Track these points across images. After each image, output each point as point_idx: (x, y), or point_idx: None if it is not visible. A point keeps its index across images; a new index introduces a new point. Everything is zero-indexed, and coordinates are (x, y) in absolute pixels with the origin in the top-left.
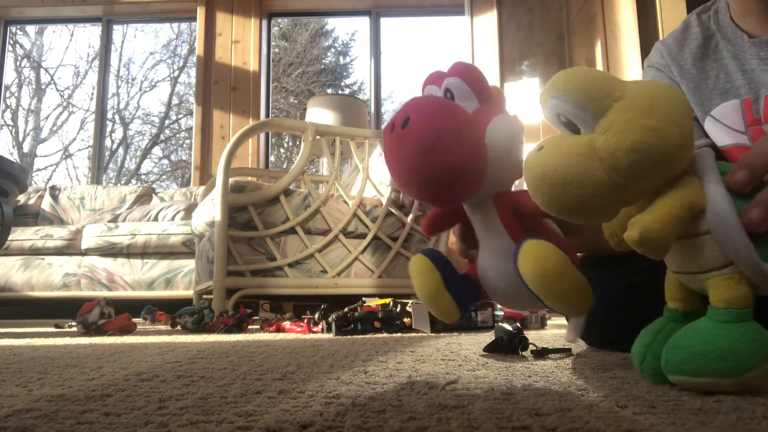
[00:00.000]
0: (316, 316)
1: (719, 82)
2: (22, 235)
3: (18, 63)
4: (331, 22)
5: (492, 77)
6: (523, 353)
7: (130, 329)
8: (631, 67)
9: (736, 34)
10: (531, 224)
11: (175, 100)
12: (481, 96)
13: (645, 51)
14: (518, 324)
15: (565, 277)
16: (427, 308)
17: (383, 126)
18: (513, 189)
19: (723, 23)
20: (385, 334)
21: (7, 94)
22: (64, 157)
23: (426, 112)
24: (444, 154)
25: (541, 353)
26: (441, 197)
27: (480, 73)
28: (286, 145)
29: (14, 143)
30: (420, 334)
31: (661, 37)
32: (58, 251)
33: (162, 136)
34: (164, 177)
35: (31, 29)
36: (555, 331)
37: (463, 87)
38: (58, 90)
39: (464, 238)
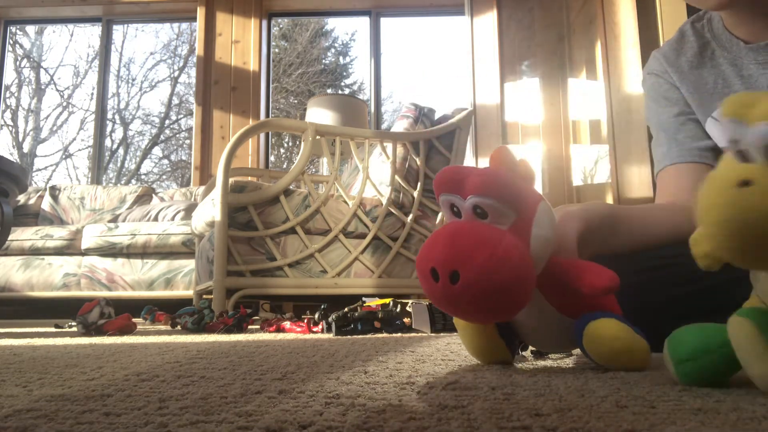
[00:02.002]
0: (316, 316)
1: (717, 87)
2: (22, 235)
3: (18, 63)
4: (331, 22)
5: (492, 77)
6: (523, 353)
7: (130, 329)
8: (631, 66)
9: (732, 42)
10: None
11: (175, 100)
12: (515, 208)
13: (645, 51)
14: None
15: (633, 351)
16: (474, 356)
17: (419, 271)
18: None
19: (717, 31)
20: (385, 334)
21: (7, 94)
22: (64, 157)
23: (478, 270)
24: (500, 302)
25: (541, 353)
26: (499, 320)
27: (509, 183)
28: (286, 145)
29: (14, 143)
30: (420, 334)
31: (661, 37)
32: (58, 251)
33: (162, 136)
34: (164, 177)
35: (31, 29)
36: None
37: (495, 205)
38: (58, 90)
39: None
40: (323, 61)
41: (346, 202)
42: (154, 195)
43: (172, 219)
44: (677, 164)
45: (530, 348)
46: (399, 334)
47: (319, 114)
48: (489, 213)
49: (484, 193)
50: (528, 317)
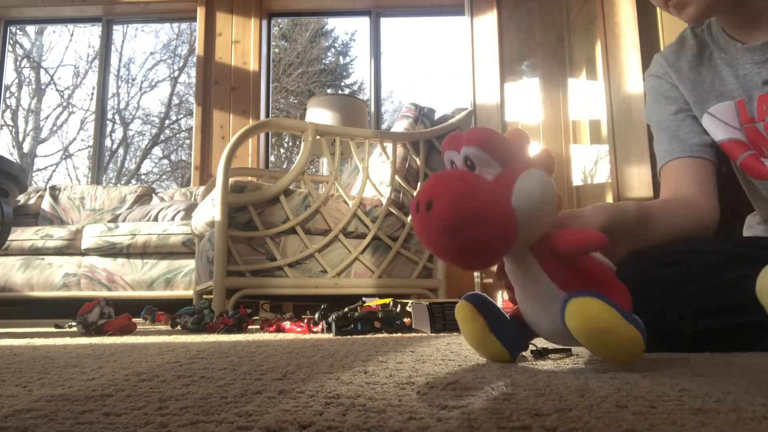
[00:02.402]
0: (316, 316)
1: (714, 85)
2: (22, 235)
3: (18, 63)
4: (331, 22)
5: (492, 77)
6: (523, 353)
7: (130, 329)
8: (631, 66)
9: (729, 43)
10: (576, 262)
11: (175, 100)
12: (502, 160)
13: (645, 51)
14: None
15: (614, 332)
16: (474, 350)
17: (411, 201)
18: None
19: (716, 35)
20: (385, 334)
21: (7, 94)
22: (64, 157)
23: (448, 197)
24: (469, 234)
25: (541, 353)
26: (472, 266)
27: (497, 136)
28: (286, 145)
29: (14, 143)
30: (420, 334)
31: (661, 38)
32: (58, 251)
33: (162, 136)
34: (164, 177)
35: (31, 29)
36: None
37: (482, 155)
38: (58, 90)
39: (510, 286)
40: (323, 61)
41: (346, 202)
42: (154, 195)
43: (172, 219)
44: (679, 159)
45: (530, 348)
46: (399, 334)
47: (319, 114)
48: (476, 163)
49: (472, 143)
50: (530, 299)
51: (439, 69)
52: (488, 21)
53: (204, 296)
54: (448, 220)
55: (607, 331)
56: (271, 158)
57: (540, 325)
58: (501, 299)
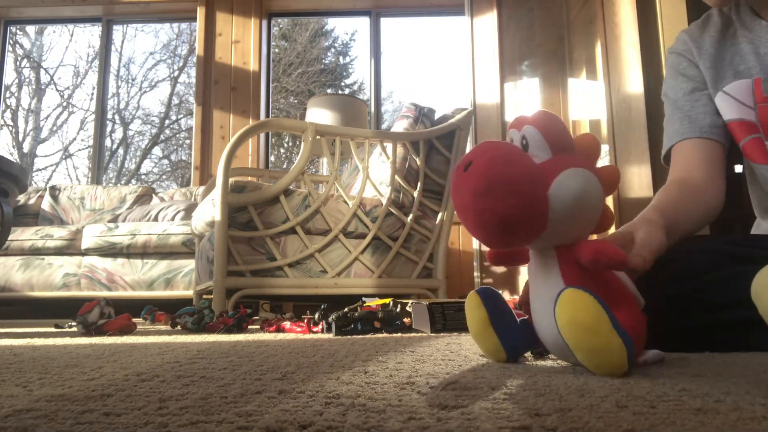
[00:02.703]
0: (316, 316)
1: (734, 63)
2: (22, 235)
3: (18, 63)
4: (331, 22)
5: (492, 77)
6: (524, 354)
7: (130, 329)
8: (631, 66)
9: (755, 22)
10: (596, 276)
11: (175, 100)
12: (555, 147)
13: (645, 51)
14: None
15: (597, 333)
16: (476, 344)
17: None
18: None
19: (743, 13)
20: (385, 334)
21: (7, 94)
22: (64, 157)
23: (486, 159)
24: (495, 201)
25: (542, 353)
26: (492, 240)
27: (558, 123)
28: (286, 145)
29: (14, 143)
30: (420, 334)
31: (661, 37)
32: (58, 251)
33: (162, 136)
34: (164, 177)
35: (31, 29)
36: None
37: (537, 136)
38: (58, 90)
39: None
40: (323, 61)
41: (346, 202)
42: (154, 195)
43: (172, 219)
44: (689, 139)
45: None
46: (399, 334)
47: (319, 114)
48: (530, 144)
49: (532, 123)
50: (542, 301)
51: (439, 69)
52: (488, 21)
53: (204, 296)
54: (480, 180)
55: (589, 329)
56: (271, 158)
57: (544, 332)
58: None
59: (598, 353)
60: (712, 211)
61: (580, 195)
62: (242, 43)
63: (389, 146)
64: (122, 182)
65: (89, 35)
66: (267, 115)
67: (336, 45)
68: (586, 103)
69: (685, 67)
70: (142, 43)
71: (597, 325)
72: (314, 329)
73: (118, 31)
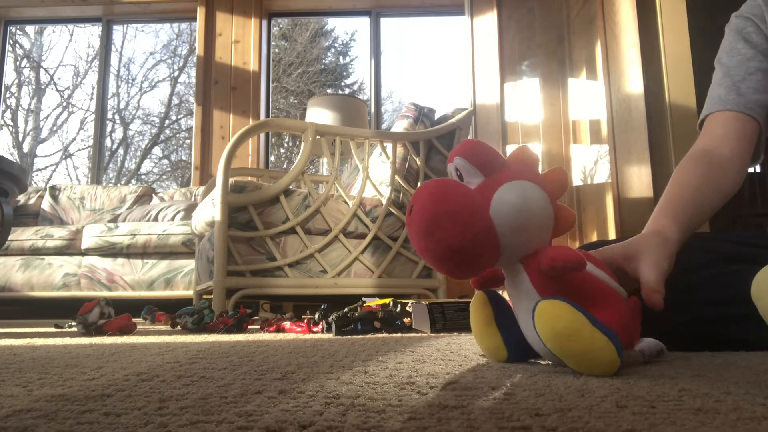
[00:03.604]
0: (316, 316)
1: None
2: (22, 235)
3: (18, 63)
4: (331, 22)
5: (492, 77)
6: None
7: (130, 329)
8: (631, 66)
9: None
10: (568, 280)
11: (175, 100)
12: (485, 169)
13: (645, 51)
14: None
15: (580, 337)
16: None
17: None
18: None
19: None
20: (385, 334)
21: (7, 94)
22: (64, 157)
23: (424, 199)
24: (442, 237)
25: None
26: (455, 273)
27: (481, 146)
28: (286, 145)
29: (14, 143)
30: (420, 334)
31: (661, 38)
32: (58, 251)
33: (162, 136)
34: (164, 177)
35: (30, 29)
36: None
37: (465, 165)
38: (58, 90)
39: None
40: (323, 61)
41: (346, 202)
42: (154, 195)
43: (172, 219)
44: (731, 111)
45: None
46: (399, 334)
47: (319, 114)
48: (463, 174)
49: (458, 154)
50: (522, 313)
51: (439, 69)
52: (488, 21)
53: (204, 296)
54: (423, 222)
55: (569, 335)
56: (271, 158)
57: (532, 342)
58: None
59: (586, 356)
60: (730, 192)
61: (520, 206)
62: (242, 43)
63: (389, 146)
64: (122, 182)
65: (89, 35)
66: (267, 115)
67: (336, 45)
68: (586, 103)
69: (750, 32)
70: (142, 43)
71: (577, 330)
72: (314, 329)
73: (118, 31)
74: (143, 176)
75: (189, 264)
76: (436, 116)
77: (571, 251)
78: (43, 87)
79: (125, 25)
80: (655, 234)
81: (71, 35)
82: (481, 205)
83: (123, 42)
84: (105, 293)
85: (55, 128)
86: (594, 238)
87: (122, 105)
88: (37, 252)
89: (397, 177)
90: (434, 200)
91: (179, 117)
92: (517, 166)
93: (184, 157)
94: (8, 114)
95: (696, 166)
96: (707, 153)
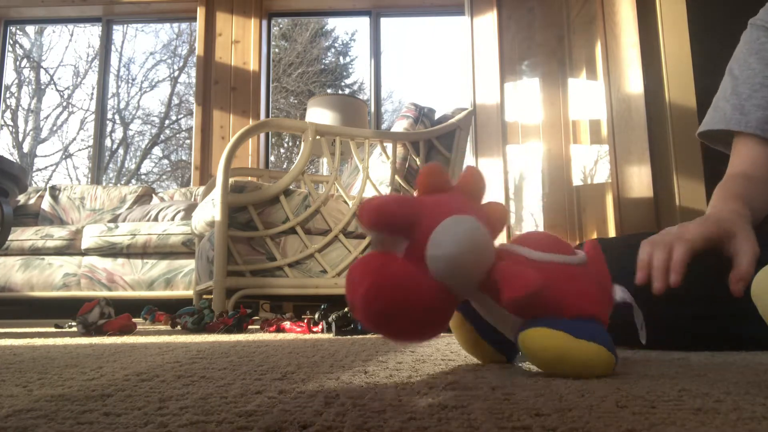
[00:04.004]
0: (316, 316)
1: None
2: (22, 235)
3: (18, 63)
4: (331, 22)
5: (492, 77)
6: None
7: (130, 329)
8: (631, 66)
9: None
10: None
11: (175, 100)
12: (405, 234)
13: (645, 51)
14: None
15: (569, 357)
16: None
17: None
18: None
19: None
20: None
21: (7, 94)
22: (64, 157)
23: (360, 300)
24: (398, 332)
25: None
26: (426, 339)
27: (391, 213)
28: (286, 145)
29: (14, 143)
30: None
31: (661, 37)
32: (58, 251)
33: (162, 136)
34: (164, 177)
35: (30, 29)
36: None
37: (381, 237)
38: (58, 90)
39: None
40: (323, 61)
41: (346, 202)
42: (154, 195)
43: (172, 219)
44: (750, 136)
45: None
46: None
47: (319, 114)
48: (383, 243)
49: (367, 227)
50: (500, 328)
51: (439, 69)
52: (488, 21)
53: (204, 296)
54: (371, 322)
55: (560, 357)
56: (271, 158)
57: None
58: None
59: (583, 368)
60: None
61: (459, 254)
62: (242, 43)
63: (389, 146)
64: (122, 182)
65: (89, 35)
66: (267, 115)
67: (336, 45)
68: (586, 103)
69: (764, 42)
70: (142, 43)
71: (565, 352)
72: (314, 329)
73: (118, 31)
74: (143, 176)
75: (189, 264)
76: (436, 116)
77: (521, 275)
78: (43, 87)
79: (125, 25)
80: (739, 214)
81: (71, 35)
82: (417, 274)
83: (123, 42)
84: (105, 293)
85: (55, 128)
86: (594, 237)
87: (122, 105)
88: (37, 252)
89: (397, 177)
90: (368, 302)
91: (179, 117)
92: (447, 201)
93: (184, 157)
94: (8, 114)
95: (737, 176)
96: (744, 171)
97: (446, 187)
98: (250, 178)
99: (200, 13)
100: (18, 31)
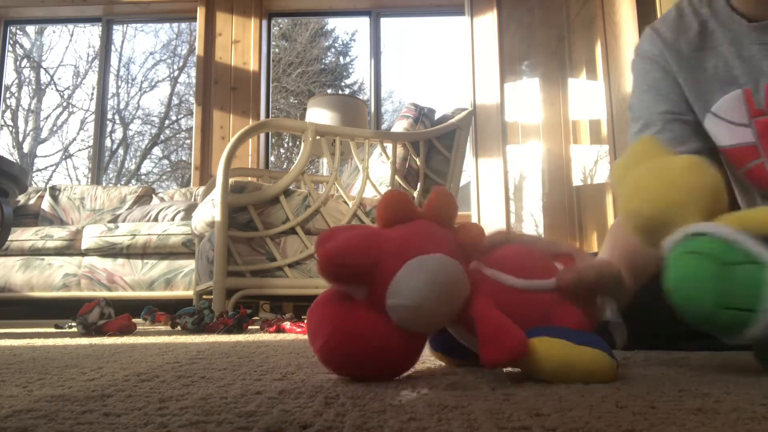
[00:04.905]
0: None
1: (718, 71)
2: (22, 236)
3: (18, 63)
4: (331, 22)
5: (492, 77)
6: None
7: (130, 329)
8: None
9: (733, 18)
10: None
11: (175, 100)
12: (365, 282)
13: None
14: None
15: (572, 363)
16: None
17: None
18: None
19: (717, 6)
20: None
21: (7, 94)
22: (64, 157)
23: (321, 349)
24: (364, 371)
25: None
26: (385, 379)
27: (350, 263)
28: (286, 145)
29: (14, 143)
30: None
31: None
32: (58, 251)
33: (162, 137)
34: (164, 177)
35: (31, 29)
36: None
37: (341, 287)
38: (58, 90)
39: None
40: (323, 60)
41: (346, 202)
42: (154, 195)
43: (172, 219)
44: None
45: None
46: None
47: (319, 114)
48: (346, 291)
49: (325, 277)
50: (473, 347)
51: (439, 69)
52: (488, 21)
53: (204, 296)
54: (335, 368)
55: (564, 365)
56: (271, 158)
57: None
58: None
59: (589, 374)
60: None
61: (422, 300)
62: (242, 43)
63: (389, 146)
64: (122, 182)
65: (89, 35)
66: (267, 115)
67: (336, 45)
68: (586, 103)
69: (658, 78)
70: (142, 43)
71: (570, 358)
72: None
73: (118, 31)
74: (143, 176)
75: (189, 264)
76: (436, 116)
77: (504, 336)
78: (43, 87)
79: (125, 25)
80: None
81: (71, 35)
82: (378, 322)
83: (123, 42)
84: (105, 293)
85: (55, 128)
86: (594, 238)
87: (122, 105)
88: (37, 252)
89: (397, 177)
90: (330, 351)
91: (179, 117)
92: (411, 238)
93: (184, 158)
94: (8, 114)
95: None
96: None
97: (411, 215)
98: (250, 179)
99: (200, 13)
100: (18, 31)
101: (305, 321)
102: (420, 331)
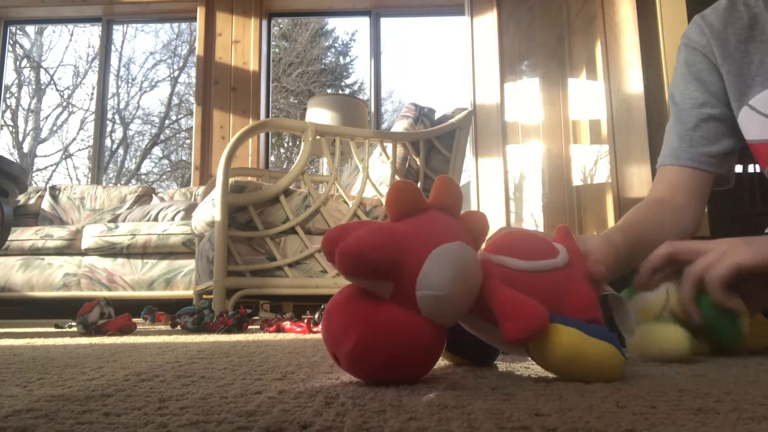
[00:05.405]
0: (316, 316)
1: (763, 66)
2: (22, 235)
3: (18, 63)
4: (331, 22)
5: (492, 77)
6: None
7: (130, 329)
8: (631, 66)
9: None
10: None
11: (175, 100)
12: (390, 277)
13: (645, 51)
14: None
15: (584, 354)
16: None
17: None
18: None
19: None
20: None
21: (7, 94)
22: (64, 157)
23: (349, 356)
24: (394, 373)
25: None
26: (410, 379)
27: (373, 258)
28: (286, 145)
29: (14, 143)
30: None
31: (661, 38)
32: (58, 251)
33: (162, 136)
34: (164, 177)
35: (30, 29)
36: None
37: (365, 283)
38: (58, 90)
39: None
40: (323, 60)
41: (346, 202)
42: (154, 195)
43: (172, 219)
44: (682, 167)
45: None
46: None
47: (319, 114)
48: (369, 289)
49: (348, 275)
50: (487, 339)
51: (439, 69)
52: (488, 21)
53: (204, 296)
54: (364, 374)
55: (574, 356)
56: (271, 158)
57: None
58: None
59: (598, 369)
60: (685, 232)
61: (450, 290)
62: (242, 43)
63: (389, 146)
64: (122, 182)
65: (89, 35)
66: (267, 115)
67: (336, 45)
68: (586, 103)
69: (702, 69)
70: (142, 43)
71: (582, 349)
72: (314, 329)
73: (118, 31)
74: (143, 176)
75: (189, 264)
76: (436, 116)
77: (524, 311)
78: (43, 87)
79: (125, 25)
80: (599, 236)
81: (71, 35)
82: (409, 319)
83: (123, 42)
84: (105, 293)
85: (55, 128)
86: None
87: (122, 105)
88: (37, 252)
89: (397, 177)
90: (360, 357)
91: (179, 117)
92: (428, 228)
93: (184, 157)
94: (8, 114)
95: (645, 208)
96: (658, 201)
97: (421, 207)
98: (250, 178)
99: (200, 13)
100: (18, 31)
101: (305, 320)
102: (445, 322)
